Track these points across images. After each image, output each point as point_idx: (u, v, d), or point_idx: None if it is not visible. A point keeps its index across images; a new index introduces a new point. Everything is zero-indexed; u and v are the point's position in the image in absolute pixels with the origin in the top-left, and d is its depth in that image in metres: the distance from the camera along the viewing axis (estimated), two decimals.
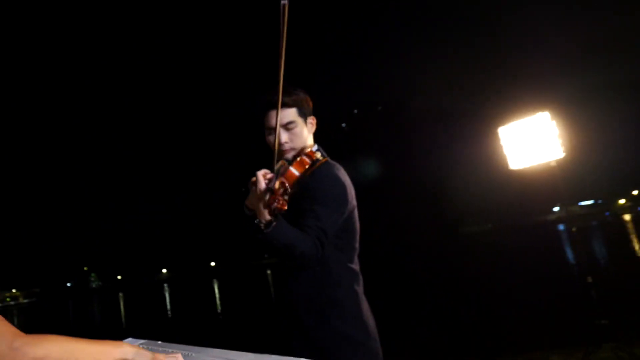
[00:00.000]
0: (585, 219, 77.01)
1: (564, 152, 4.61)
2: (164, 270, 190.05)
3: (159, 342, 1.38)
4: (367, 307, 1.91)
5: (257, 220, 1.73)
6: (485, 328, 7.19)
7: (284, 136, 1.91)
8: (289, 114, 1.91)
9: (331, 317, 1.80)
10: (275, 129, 1.81)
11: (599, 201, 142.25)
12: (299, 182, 1.82)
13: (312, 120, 2.01)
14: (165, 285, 72.78)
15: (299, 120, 1.94)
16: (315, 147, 1.97)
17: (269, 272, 44.50)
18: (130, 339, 1.36)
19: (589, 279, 4.50)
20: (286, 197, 1.68)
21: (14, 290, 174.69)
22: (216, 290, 32.51)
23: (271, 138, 1.90)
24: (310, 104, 2.01)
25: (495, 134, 5.22)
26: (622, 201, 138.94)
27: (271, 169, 1.76)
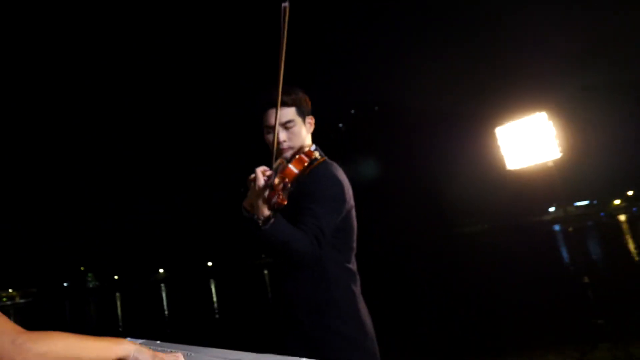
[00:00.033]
0: (580, 220, 77.17)
1: (560, 152, 4.62)
2: (161, 270, 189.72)
3: (158, 341, 1.38)
4: (365, 307, 1.90)
5: (255, 216, 1.74)
6: (482, 328, 7.20)
7: (282, 135, 1.91)
8: (288, 113, 1.92)
9: (328, 317, 1.80)
10: (274, 127, 1.82)
11: (594, 202, 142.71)
12: (297, 180, 1.82)
13: (310, 120, 2.02)
14: (162, 285, 72.63)
15: (298, 120, 1.95)
16: (314, 147, 1.97)
17: (265, 272, 44.48)
18: (128, 339, 1.37)
19: (586, 279, 4.51)
20: (286, 193, 1.69)
21: (10, 290, 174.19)
22: (213, 290, 32.45)
23: (270, 137, 1.91)
24: (309, 103, 2.01)
25: (493, 134, 5.23)
26: (617, 202, 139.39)
27: (270, 168, 1.77)
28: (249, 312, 14.59)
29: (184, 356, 1.18)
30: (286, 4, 1.57)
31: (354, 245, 1.96)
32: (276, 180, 1.68)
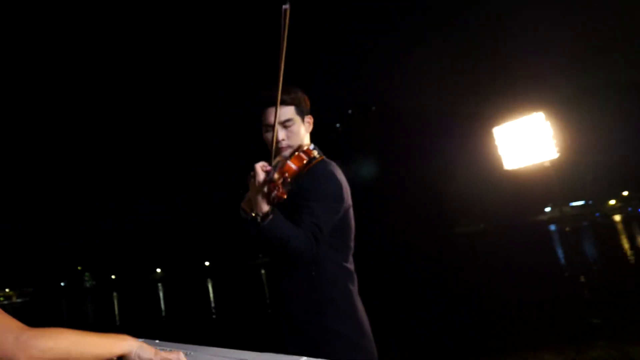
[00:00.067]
0: (576, 220, 77.42)
1: (558, 152, 4.63)
2: (158, 270, 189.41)
3: (157, 340, 1.39)
4: (362, 306, 1.91)
5: (254, 213, 1.74)
6: (479, 327, 7.22)
7: (281, 134, 1.92)
8: (287, 111, 1.92)
9: (326, 316, 1.81)
10: (273, 126, 1.84)
11: (590, 202, 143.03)
12: (296, 177, 1.82)
13: (309, 119, 2.03)
14: (160, 284, 72.48)
15: (297, 119, 1.95)
16: (312, 146, 1.98)
17: (263, 271, 44.45)
18: None
19: (582, 279, 4.53)
20: (285, 187, 1.70)
21: (7, 290, 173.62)
22: (210, 290, 32.42)
23: (269, 135, 1.92)
24: (308, 103, 2.02)
25: (490, 134, 5.24)
26: (612, 202, 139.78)
27: (269, 165, 1.78)
28: (246, 311, 14.58)
29: (183, 355, 1.19)
30: (287, 6, 1.60)
31: (352, 244, 1.96)
32: (276, 175, 1.69)
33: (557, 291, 9.11)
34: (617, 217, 71.57)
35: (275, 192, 1.66)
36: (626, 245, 19.98)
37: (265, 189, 1.70)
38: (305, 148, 1.92)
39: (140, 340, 1.36)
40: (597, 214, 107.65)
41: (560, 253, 20.13)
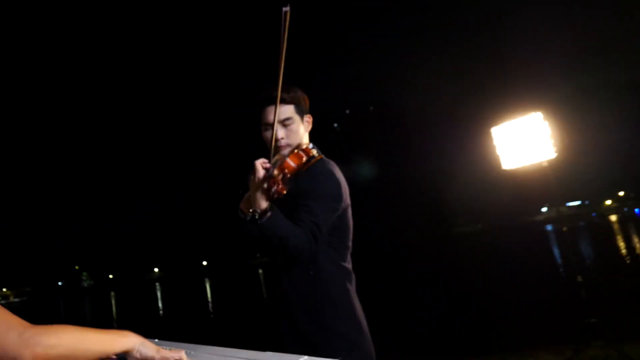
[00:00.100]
0: (573, 220, 77.64)
1: (555, 152, 4.64)
2: (156, 270, 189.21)
3: (156, 339, 1.39)
4: (360, 306, 1.91)
5: (253, 209, 1.75)
6: (477, 327, 7.24)
7: (280, 132, 1.92)
8: (287, 110, 1.93)
9: (324, 315, 1.81)
10: (272, 124, 1.85)
11: (586, 202, 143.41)
12: (295, 175, 1.82)
13: (308, 118, 2.04)
14: (157, 284, 72.44)
15: (296, 118, 1.96)
16: (311, 145, 1.98)
17: (260, 271, 44.46)
18: None
19: (579, 278, 4.54)
20: (285, 183, 1.70)
21: (4, 289, 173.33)
22: (208, 290, 32.42)
23: (268, 134, 1.92)
24: (308, 102, 2.03)
25: (488, 134, 5.25)
26: (608, 202, 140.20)
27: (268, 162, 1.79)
28: (243, 311, 14.59)
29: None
30: (287, 9, 1.62)
31: (350, 244, 1.97)
32: (275, 172, 1.70)
33: (555, 291, 9.14)
34: (614, 217, 71.88)
35: (275, 187, 1.67)
36: (622, 245, 20.07)
37: (265, 185, 1.71)
38: (304, 147, 1.92)
39: None
40: (594, 214, 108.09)
41: (557, 253, 20.19)
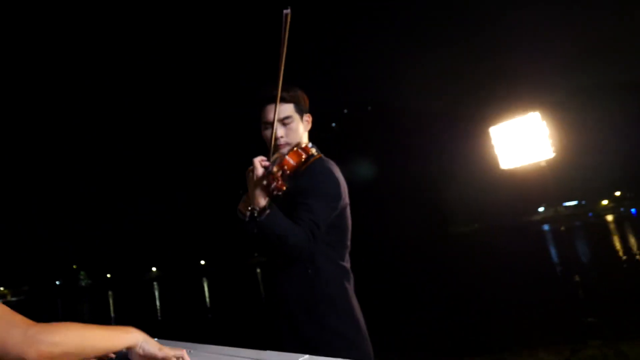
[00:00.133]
0: (569, 220, 77.86)
1: (553, 152, 4.65)
2: (154, 269, 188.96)
3: (155, 338, 1.39)
4: (358, 305, 1.92)
5: (251, 207, 1.75)
6: (475, 326, 7.24)
7: (280, 131, 1.93)
8: (287, 109, 1.94)
9: (322, 314, 1.81)
10: (272, 123, 1.85)
11: (583, 202, 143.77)
12: (294, 173, 1.83)
13: (308, 118, 2.04)
14: (155, 283, 72.37)
15: (296, 117, 1.96)
16: (311, 144, 1.99)
17: (258, 270, 44.45)
18: None
19: (577, 278, 4.56)
20: (285, 179, 1.70)
21: (2, 288, 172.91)
22: (206, 289, 32.40)
23: (268, 132, 1.93)
24: (307, 102, 2.04)
25: (487, 134, 5.25)
26: (604, 202, 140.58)
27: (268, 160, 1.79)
28: (241, 310, 14.58)
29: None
30: (288, 11, 1.63)
31: (349, 243, 1.97)
32: (275, 168, 1.70)
33: (553, 290, 9.16)
34: (610, 217, 72.02)
35: (275, 183, 1.66)
36: (619, 244, 20.12)
37: (264, 182, 1.71)
38: (303, 145, 1.93)
39: None
40: (590, 214, 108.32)
41: (555, 253, 20.22)
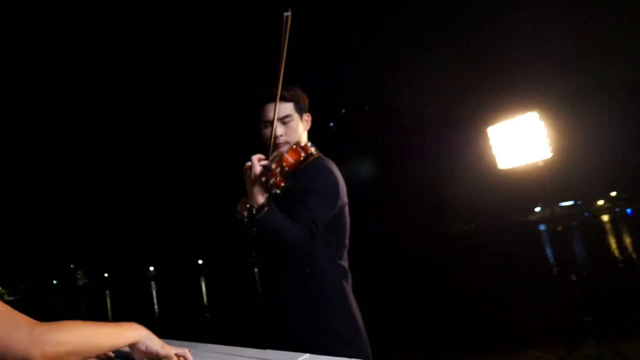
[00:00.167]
0: (565, 220, 77.99)
1: (551, 152, 4.67)
2: (151, 268, 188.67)
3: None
4: (356, 305, 1.92)
5: (250, 204, 1.75)
6: (470, 325, 7.25)
7: (280, 129, 1.94)
8: (286, 107, 1.95)
9: (319, 313, 1.82)
10: (272, 122, 1.86)
11: (579, 202, 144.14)
12: (293, 172, 1.83)
13: (307, 117, 2.06)
14: (153, 283, 72.23)
15: (296, 116, 1.98)
16: (310, 144, 2.00)
17: (256, 270, 44.41)
18: None
19: (573, 277, 4.58)
20: (283, 175, 1.70)
21: None
22: (203, 288, 32.35)
23: (267, 131, 1.94)
24: (307, 101, 2.05)
25: (485, 134, 5.27)
26: (600, 202, 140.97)
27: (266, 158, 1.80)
28: (239, 309, 14.57)
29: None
30: (288, 13, 1.64)
31: (347, 242, 1.98)
32: (273, 165, 1.70)
33: (549, 290, 9.18)
34: (605, 217, 72.20)
35: (273, 179, 1.67)
36: (614, 244, 20.18)
37: (263, 179, 1.71)
38: (303, 144, 1.93)
39: None
40: (586, 214, 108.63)
41: (551, 252, 20.25)
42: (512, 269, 14.67)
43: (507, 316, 7.46)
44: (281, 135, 1.94)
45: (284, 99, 1.91)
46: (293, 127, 1.96)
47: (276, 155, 1.87)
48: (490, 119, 5.17)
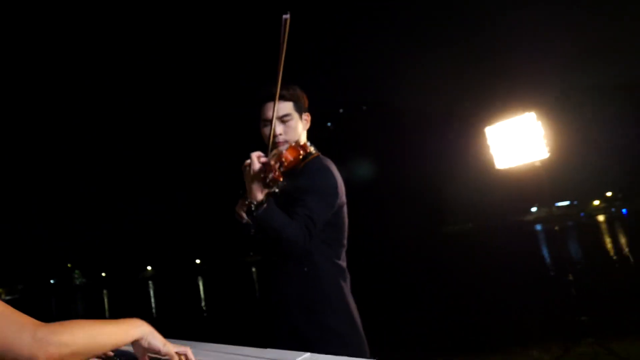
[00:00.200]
0: (561, 220, 78.19)
1: (548, 152, 4.69)
2: (149, 268, 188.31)
3: None
4: (354, 304, 1.93)
5: (249, 201, 1.76)
6: (467, 325, 7.27)
7: (279, 128, 1.95)
8: (286, 106, 1.96)
9: (317, 312, 1.83)
10: (271, 120, 1.87)
11: (575, 202, 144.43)
12: (291, 171, 1.84)
13: (307, 117, 2.07)
14: (150, 282, 72.12)
15: (295, 115, 1.99)
16: (309, 143, 2.01)
17: (253, 269, 44.38)
18: None
19: (570, 277, 4.59)
20: (282, 171, 1.71)
21: None
22: (201, 288, 32.32)
23: (266, 130, 1.94)
24: (307, 101, 2.06)
25: (482, 134, 5.28)
26: (596, 202, 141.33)
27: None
28: (237, 309, 14.56)
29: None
30: (287, 16, 1.66)
31: (345, 242, 1.99)
32: (272, 161, 1.71)
33: (546, 289, 9.20)
34: (601, 217, 72.43)
35: (272, 174, 1.67)
36: (610, 244, 20.24)
37: (262, 175, 1.72)
38: (302, 143, 1.95)
39: None
40: (582, 214, 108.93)
41: (547, 252, 20.29)
42: (510, 268, 14.70)
43: (504, 316, 7.48)
44: (280, 134, 1.95)
45: (283, 98, 1.92)
46: (292, 126, 1.97)
47: (275, 153, 1.88)
48: (488, 119, 5.19)
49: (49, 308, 37.65)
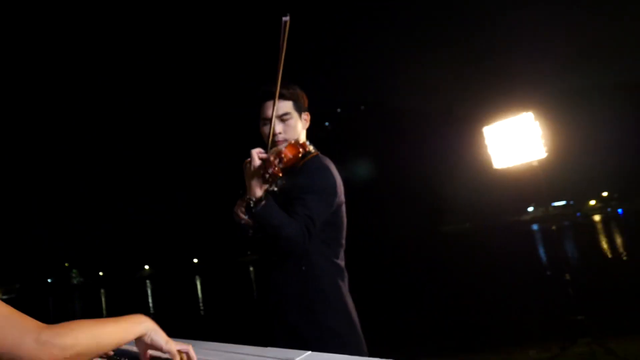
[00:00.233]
0: (558, 219, 78.39)
1: (546, 152, 4.69)
2: (147, 267, 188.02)
3: None
4: (352, 303, 1.93)
5: (248, 197, 1.77)
6: (465, 324, 7.28)
7: (278, 127, 1.95)
8: (285, 105, 1.96)
9: (315, 311, 1.83)
10: (271, 119, 1.87)
11: (571, 202, 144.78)
12: (290, 169, 1.84)
13: (306, 116, 2.07)
14: (148, 281, 72.04)
15: (294, 114, 1.99)
16: (308, 142, 2.01)
17: (251, 268, 44.38)
18: None
19: (567, 277, 4.60)
20: (281, 166, 1.72)
21: None
22: (198, 287, 32.31)
23: (266, 129, 1.94)
24: (306, 101, 2.06)
25: (480, 134, 5.28)
26: (592, 202, 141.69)
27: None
28: (234, 308, 14.56)
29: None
30: (287, 18, 1.67)
31: (343, 241, 1.99)
32: (271, 157, 1.72)
33: (543, 289, 9.22)
34: (597, 217, 72.69)
35: (271, 169, 1.68)
36: (606, 244, 20.31)
37: (261, 171, 1.73)
38: (301, 141, 1.95)
39: None
40: (578, 214, 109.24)
41: (544, 252, 20.34)
42: (507, 268, 14.73)
43: (502, 315, 7.50)
44: (280, 133, 1.95)
45: (283, 97, 1.93)
46: (292, 125, 1.98)
47: (275, 150, 1.89)
48: (485, 118, 5.19)
49: (47, 307, 37.57)
